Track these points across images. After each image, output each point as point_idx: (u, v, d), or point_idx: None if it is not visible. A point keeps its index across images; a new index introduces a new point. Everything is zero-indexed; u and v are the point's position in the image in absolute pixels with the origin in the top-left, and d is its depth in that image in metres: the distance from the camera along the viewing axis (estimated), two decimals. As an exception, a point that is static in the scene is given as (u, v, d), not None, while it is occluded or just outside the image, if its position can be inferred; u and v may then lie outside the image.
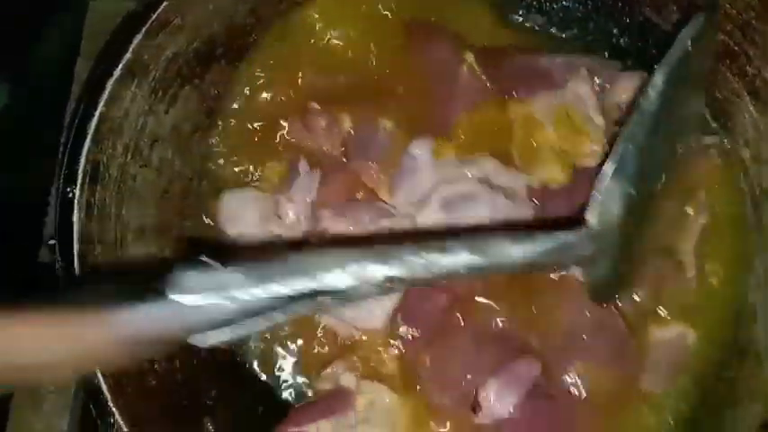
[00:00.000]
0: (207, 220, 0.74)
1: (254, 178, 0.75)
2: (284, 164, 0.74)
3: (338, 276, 0.47)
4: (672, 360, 0.67)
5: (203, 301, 0.44)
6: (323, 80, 0.77)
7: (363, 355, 0.68)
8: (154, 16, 0.66)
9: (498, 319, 0.68)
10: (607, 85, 0.74)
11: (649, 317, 0.68)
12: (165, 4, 0.66)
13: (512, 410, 0.64)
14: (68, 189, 0.61)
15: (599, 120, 0.72)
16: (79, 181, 0.61)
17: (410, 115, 0.75)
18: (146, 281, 0.46)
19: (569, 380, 0.66)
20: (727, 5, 0.68)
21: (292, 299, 0.46)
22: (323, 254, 0.50)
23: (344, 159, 0.74)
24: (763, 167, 0.70)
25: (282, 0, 0.76)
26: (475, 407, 0.64)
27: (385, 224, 0.68)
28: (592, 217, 0.55)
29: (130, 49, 0.65)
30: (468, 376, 0.65)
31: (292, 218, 0.71)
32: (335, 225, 0.68)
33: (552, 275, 0.68)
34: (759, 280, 0.69)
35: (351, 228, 0.68)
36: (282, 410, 0.68)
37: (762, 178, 0.70)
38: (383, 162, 0.73)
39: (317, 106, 0.74)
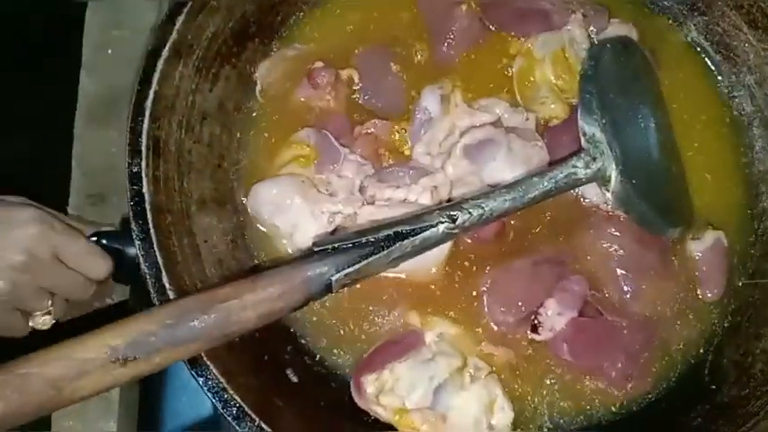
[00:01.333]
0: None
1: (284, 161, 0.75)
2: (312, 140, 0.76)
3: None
4: (718, 265, 0.72)
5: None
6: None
7: (423, 293, 0.71)
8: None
9: (549, 250, 0.72)
10: (594, 30, 0.79)
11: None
12: (200, -14, 0.70)
13: (565, 326, 0.69)
14: (136, 163, 0.63)
15: None
16: (143, 155, 0.64)
17: (415, 58, 0.79)
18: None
19: (626, 295, 0.71)
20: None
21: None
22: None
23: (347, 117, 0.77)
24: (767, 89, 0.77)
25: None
26: (536, 325, 0.69)
27: (425, 182, 0.72)
28: (583, 143, 0.68)
29: (175, 30, 0.68)
30: (528, 297, 0.69)
31: (346, 193, 0.72)
32: (381, 192, 0.71)
33: (591, 208, 0.74)
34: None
35: (396, 191, 0.71)
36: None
37: None
38: (396, 113, 0.77)
39: (320, 64, 0.77)
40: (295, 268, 0.57)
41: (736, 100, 0.80)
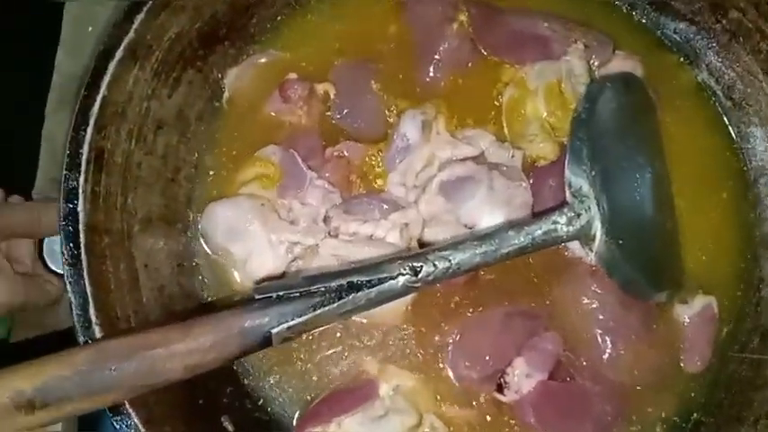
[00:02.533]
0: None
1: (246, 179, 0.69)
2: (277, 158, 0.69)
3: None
4: (705, 334, 0.66)
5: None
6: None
7: (383, 338, 0.66)
8: (155, -5, 0.63)
9: (524, 300, 0.67)
10: (596, 63, 0.72)
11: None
12: (166, -18, 0.63)
13: (533, 389, 0.63)
14: (72, 177, 0.57)
15: None
16: (83, 169, 0.58)
17: (398, 77, 0.72)
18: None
19: (603, 359, 0.65)
20: (742, -19, 0.68)
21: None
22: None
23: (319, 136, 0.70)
24: (778, 145, 0.70)
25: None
26: (501, 384, 0.63)
27: (395, 218, 0.66)
28: (568, 196, 0.62)
29: (132, 29, 0.62)
30: (496, 353, 0.64)
31: (308, 222, 0.66)
32: (347, 225, 0.65)
33: (574, 260, 0.67)
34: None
35: (363, 225, 0.65)
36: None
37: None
38: (373, 136, 0.70)
39: (294, 76, 0.71)
40: (233, 315, 0.52)
41: (743, 151, 0.73)
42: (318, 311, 0.52)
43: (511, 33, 0.72)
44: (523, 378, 0.63)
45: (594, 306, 0.66)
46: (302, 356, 0.65)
